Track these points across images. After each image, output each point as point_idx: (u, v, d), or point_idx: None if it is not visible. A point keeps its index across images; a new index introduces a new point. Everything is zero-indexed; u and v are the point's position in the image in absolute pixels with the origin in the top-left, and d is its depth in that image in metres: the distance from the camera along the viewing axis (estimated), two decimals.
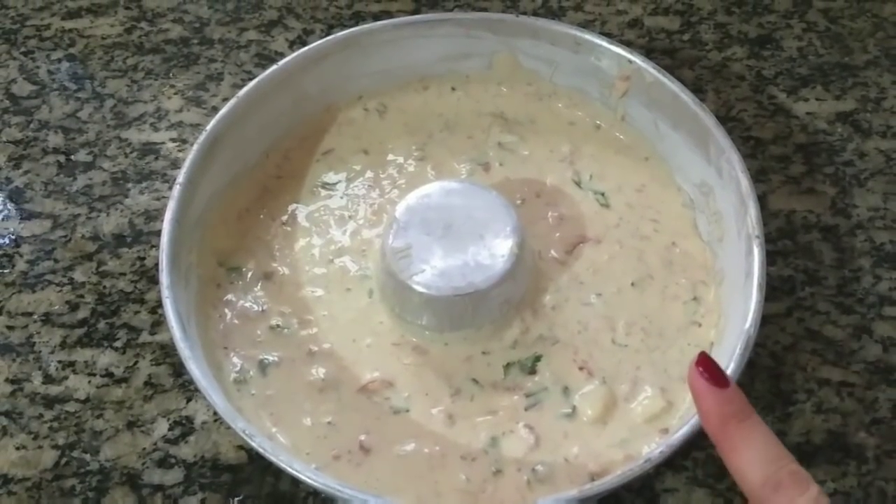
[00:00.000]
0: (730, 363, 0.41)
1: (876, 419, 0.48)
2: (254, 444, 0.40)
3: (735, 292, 0.46)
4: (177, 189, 0.48)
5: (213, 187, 0.51)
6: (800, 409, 0.49)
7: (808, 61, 0.65)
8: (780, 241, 0.55)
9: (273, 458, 0.39)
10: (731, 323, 0.46)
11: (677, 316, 0.49)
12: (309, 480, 0.39)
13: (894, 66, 0.64)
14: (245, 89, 0.52)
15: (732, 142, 0.49)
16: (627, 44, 0.54)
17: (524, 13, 0.68)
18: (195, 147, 0.50)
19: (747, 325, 0.42)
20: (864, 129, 0.61)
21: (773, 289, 0.52)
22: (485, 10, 0.69)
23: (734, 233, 0.48)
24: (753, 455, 0.34)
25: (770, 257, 0.52)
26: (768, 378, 0.50)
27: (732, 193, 0.48)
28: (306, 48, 0.55)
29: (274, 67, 0.53)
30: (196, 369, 0.42)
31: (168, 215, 0.47)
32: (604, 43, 0.53)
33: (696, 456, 0.47)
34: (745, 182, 0.47)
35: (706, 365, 0.36)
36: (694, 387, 0.36)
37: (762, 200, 0.46)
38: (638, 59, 0.53)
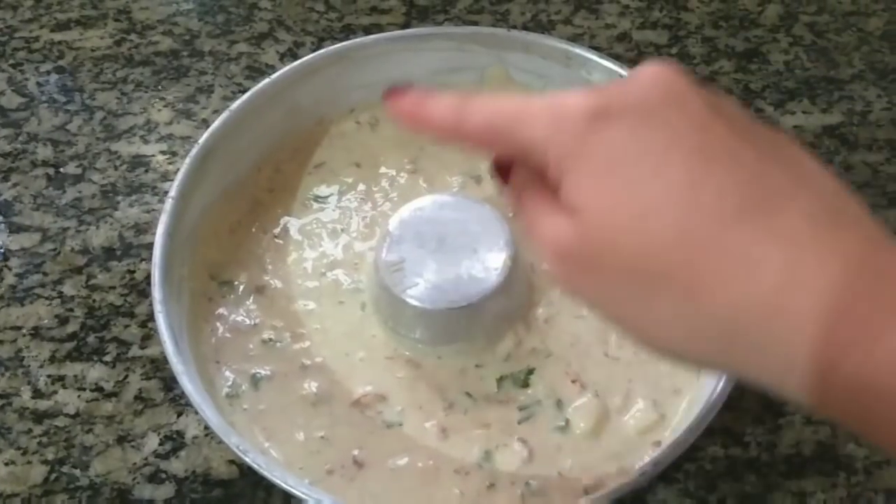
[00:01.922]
0: (723, 376, 0.42)
1: None
2: (248, 460, 0.40)
3: None
4: (169, 203, 0.48)
5: (205, 201, 0.51)
6: (789, 420, 0.49)
7: (795, 75, 0.66)
8: None
9: (268, 475, 0.39)
10: None
11: None
12: (303, 496, 0.39)
13: (880, 80, 0.65)
14: (237, 102, 0.52)
15: None
16: (616, 57, 0.55)
17: (514, 27, 0.68)
18: (187, 160, 0.50)
19: None
20: (850, 142, 0.62)
21: None
22: (475, 23, 0.69)
23: None
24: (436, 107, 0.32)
25: None
26: (759, 390, 0.50)
27: None
28: (299, 61, 0.55)
29: (266, 80, 0.53)
30: (189, 384, 0.42)
31: (160, 229, 0.47)
32: (595, 57, 0.54)
33: (687, 468, 0.47)
34: None
35: (394, 93, 0.34)
36: (394, 110, 0.34)
37: None
38: (628, 73, 0.53)
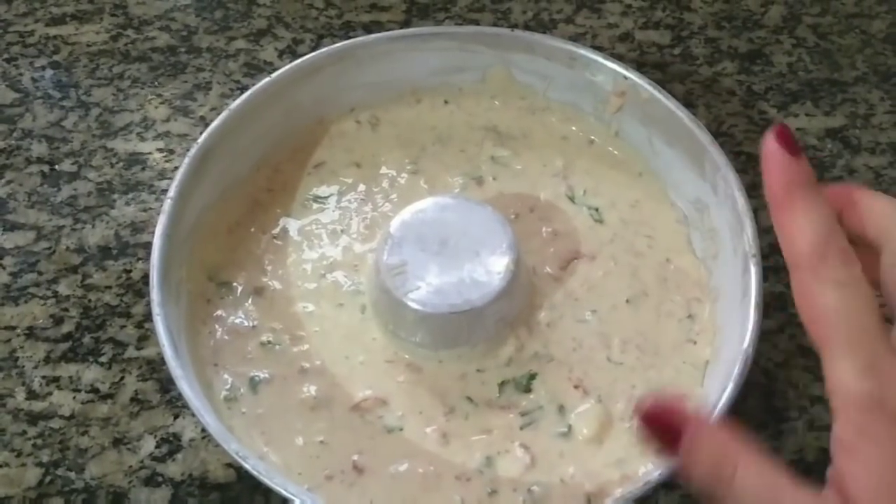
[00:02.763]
0: (728, 383, 0.41)
1: None
2: (247, 466, 0.39)
3: (730, 310, 0.46)
4: (168, 203, 0.47)
5: (204, 201, 0.50)
6: (792, 426, 0.49)
7: (798, 77, 0.65)
8: (771, 256, 0.55)
9: (267, 481, 0.39)
10: (727, 341, 0.46)
11: (672, 333, 0.48)
12: (303, 502, 0.38)
13: (883, 83, 0.65)
14: (237, 101, 0.51)
15: (728, 159, 0.49)
16: (618, 58, 0.54)
17: (515, 25, 0.68)
18: (186, 160, 0.49)
19: (745, 344, 0.42)
20: (853, 145, 0.61)
21: (765, 305, 0.51)
22: (476, 22, 0.68)
23: (729, 250, 0.47)
24: (809, 223, 0.34)
25: (762, 273, 0.52)
26: (761, 395, 0.50)
27: (728, 211, 0.48)
28: (299, 60, 0.54)
29: (266, 79, 0.53)
30: (187, 388, 0.41)
31: (159, 230, 0.46)
32: (599, 58, 0.53)
33: None
34: (741, 200, 0.47)
35: (783, 133, 0.35)
36: (768, 149, 0.35)
37: (754, 216, 0.46)
38: (633, 76, 0.52)
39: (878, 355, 0.32)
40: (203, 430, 0.48)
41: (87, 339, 0.52)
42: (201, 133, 0.50)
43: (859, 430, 0.31)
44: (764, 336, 0.51)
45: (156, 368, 0.51)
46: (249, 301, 0.50)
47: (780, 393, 0.50)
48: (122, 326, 0.52)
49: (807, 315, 0.33)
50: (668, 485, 0.46)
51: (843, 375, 0.32)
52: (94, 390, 0.50)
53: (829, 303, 0.33)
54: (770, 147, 0.35)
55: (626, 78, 0.53)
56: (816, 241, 0.33)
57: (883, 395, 0.31)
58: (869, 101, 0.64)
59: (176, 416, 0.49)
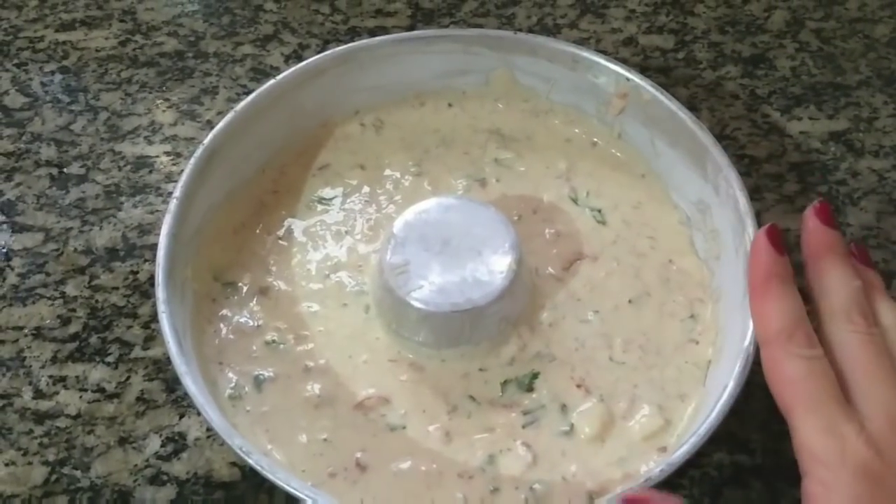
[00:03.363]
0: (729, 382, 0.41)
1: None
2: (251, 462, 0.39)
3: (732, 310, 0.46)
4: (173, 203, 0.47)
5: (210, 201, 0.51)
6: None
7: (801, 81, 0.66)
8: None
9: (271, 476, 0.39)
10: (729, 341, 0.46)
11: (674, 333, 0.49)
12: (306, 498, 0.38)
13: (886, 87, 0.65)
14: (242, 103, 0.52)
15: (730, 160, 0.49)
16: (622, 62, 0.54)
17: (519, 30, 0.68)
18: (192, 161, 0.49)
19: (746, 343, 0.42)
20: (856, 148, 0.61)
21: None
22: (481, 26, 0.69)
23: (731, 251, 0.48)
24: (780, 308, 0.40)
25: None
26: (764, 396, 0.49)
27: (730, 211, 0.48)
28: (304, 63, 0.55)
29: (272, 82, 0.53)
30: (192, 385, 0.41)
31: (164, 229, 0.47)
32: (601, 60, 0.54)
33: (692, 474, 0.47)
34: (743, 200, 0.47)
35: (773, 232, 0.43)
36: (757, 244, 0.43)
37: (756, 219, 0.47)
38: (636, 77, 0.53)
39: (838, 417, 0.37)
40: (208, 429, 0.48)
41: (93, 340, 0.52)
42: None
43: (825, 485, 0.36)
44: None
45: (161, 368, 0.51)
46: (254, 301, 0.50)
47: None
48: (129, 327, 0.53)
49: (775, 384, 0.39)
50: (669, 484, 0.46)
51: (809, 435, 0.37)
52: (101, 390, 0.50)
53: (794, 373, 0.38)
54: (760, 242, 0.43)
55: (628, 80, 0.53)
56: (786, 324, 0.40)
57: (844, 453, 0.36)
58: (872, 105, 0.64)
59: (181, 416, 0.49)
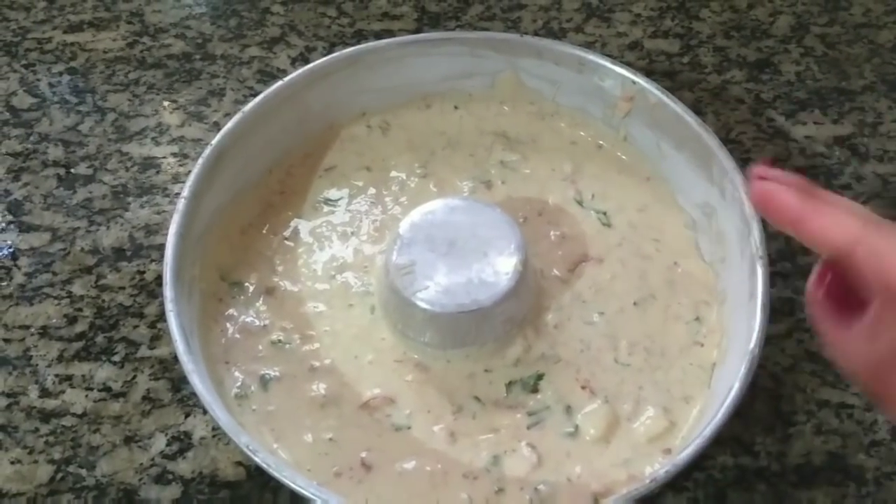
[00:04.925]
0: (734, 383, 0.41)
1: (875, 441, 0.48)
2: (258, 460, 0.39)
3: (737, 313, 0.46)
4: (181, 203, 0.48)
5: (217, 202, 0.51)
6: (800, 430, 0.49)
7: (806, 85, 0.66)
8: (779, 262, 0.55)
9: (277, 475, 0.39)
10: (734, 343, 0.46)
11: (679, 336, 0.49)
12: (312, 497, 0.39)
13: (891, 92, 0.65)
14: (250, 104, 0.52)
15: (735, 163, 0.49)
16: (628, 65, 0.55)
17: (526, 34, 0.68)
18: (200, 161, 0.50)
19: (751, 345, 0.42)
20: (861, 152, 0.61)
21: (773, 310, 0.52)
22: (486, 30, 0.69)
23: (737, 253, 0.48)
24: (837, 219, 0.36)
25: (770, 279, 0.52)
26: (769, 399, 0.50)
27: (735, 214, 0.48)
28: (311, 65, 0.55)
29: (279, 83, 0.53)
30: (199, 384, 0.41)
31: (172, 229, 0.47)
32: (607, 63, 0.54)
33: (696, 477, 0.47)
34: (748, 203, 0.47)
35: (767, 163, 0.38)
36: (763, 184, 0.38)
37: (762, 222, 0.47)
38: (641, 80, 0.53)
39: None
40: (214, 428, 0.49)
41: (100, 339, 0.53)
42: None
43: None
44: (772, 341, 0.51)
45: (168, 368, 0.51)
46: (261, 301, 0.50)
47: (788, 397, 0.50)
48: (135, 326, 0.53)
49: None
50: (674, 486, 0.46)
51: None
52: (107, 389, 0.50)
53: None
54: (760, 176, 0.38)
55: (634, 83, 0.53)
56: (859, 218, 0.35)
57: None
58: (877, 110, 0.64)
59: (187, 415, 0.49)
